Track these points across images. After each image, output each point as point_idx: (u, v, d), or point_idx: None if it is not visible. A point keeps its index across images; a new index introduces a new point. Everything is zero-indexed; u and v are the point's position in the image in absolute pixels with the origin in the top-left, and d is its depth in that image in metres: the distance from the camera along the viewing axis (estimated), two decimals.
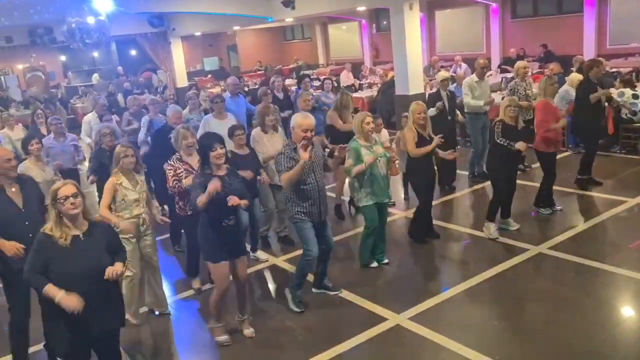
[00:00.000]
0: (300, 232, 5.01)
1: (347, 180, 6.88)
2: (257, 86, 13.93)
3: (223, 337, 4.73)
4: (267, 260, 6.36)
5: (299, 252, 5.45)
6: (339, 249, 6.29)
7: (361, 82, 15.72)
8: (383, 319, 4.87)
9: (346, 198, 7.68)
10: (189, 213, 5.33)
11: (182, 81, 19.02)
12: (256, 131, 6.47)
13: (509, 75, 12.36)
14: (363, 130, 5.56)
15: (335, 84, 12.09)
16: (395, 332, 4.69)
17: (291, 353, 4.58)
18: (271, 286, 5.92)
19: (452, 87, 8.74)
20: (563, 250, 5.89)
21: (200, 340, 4.91)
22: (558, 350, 4.25)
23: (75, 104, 18.31)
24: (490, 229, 6.31)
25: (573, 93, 8.45)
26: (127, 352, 4.57)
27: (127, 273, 4.80)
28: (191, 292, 5.79)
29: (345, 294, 5.37)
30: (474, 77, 8.42)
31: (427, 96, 11.89)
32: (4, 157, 4.15)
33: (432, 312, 4.96)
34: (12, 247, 4.02)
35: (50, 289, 3.30)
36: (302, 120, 4.82)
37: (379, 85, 13.48)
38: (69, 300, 3.27)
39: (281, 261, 6.35)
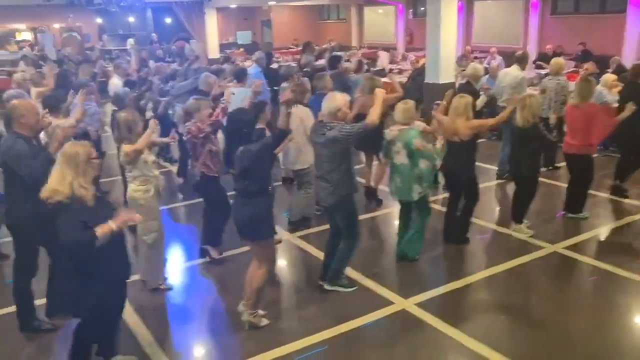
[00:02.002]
0: (354, 216, 4.96)
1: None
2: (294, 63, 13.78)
3: (265, 320, 4.65)
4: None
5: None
6: None
7: (392, 68, 15.57)
8: (389, 302, 4.89)
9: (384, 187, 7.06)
10: (215, 174, 5.43)
11: (214, 52, 19.07)
12: None
13: (544, 71, 12.12)
14: (413, 118, 5.46)
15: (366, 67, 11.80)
16: (400, 317, 4.72)
17: (295, 329, 4.62)
18: (280, 264, 5.97)
19: (484, 79, 8.61)
20: (579, 251, 5.82)
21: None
22: (563, 348, 4.23)
23: (108, 67, 18.50)
24: (524, 230, 6.19)
25: (606, 94, 8.27)
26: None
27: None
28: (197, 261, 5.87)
29: (352, 275, 5.39)
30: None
31: (457, 86, 11.80)
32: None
33: (440, 300, 4.97)
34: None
35: (102, 228, 3.36)
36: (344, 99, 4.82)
37: (410, 72, 13.33)
38: (124, 218, 3.48)
39: (295, 237, 6.40)
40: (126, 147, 4.77)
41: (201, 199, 6.05)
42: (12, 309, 4.66)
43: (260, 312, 4.63)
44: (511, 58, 8.93)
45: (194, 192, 6.19)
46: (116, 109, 6.89)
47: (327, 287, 5.08)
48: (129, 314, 4.72)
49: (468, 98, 5.75)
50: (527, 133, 5.87)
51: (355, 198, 4.98)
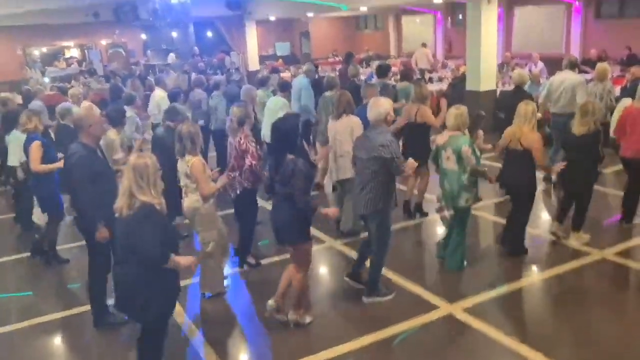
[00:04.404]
0: (387, 226, 5.03)
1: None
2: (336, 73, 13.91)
3: (309, 318, 4.81)
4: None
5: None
6: (397, 237, 6.34)
7: (431, 76, 15.55)
8: (435, 307, 4.92)
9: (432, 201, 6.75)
10: (249, 187, 5.57)
11: (254, 64, 19.42)
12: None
13: (588, 76, 11.92)
14: (465, 124, 5.43)
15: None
16: (446, 321, 4.73)
17: (340, 333, 4.69)
18: (324, 270, 6.06)
19: (526, 85, 8.53)
20: (629, 257, 5.72)
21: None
22: (615, 356, 4.17)
23: (153, 81, 19.04)
24: (584, 237, 6.08)
25: None
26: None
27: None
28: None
29: (397, 279, 5.44)
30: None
31: (498, 93, 11.73)
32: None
33: (487, 305, 4.95)
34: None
35: (174, 258, 3.58)
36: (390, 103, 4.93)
37: (450, 80, 13.30)
38: (187, 260, 3.68)
39: (340, 245, 6.48)
40: (205, 188, 4.93)
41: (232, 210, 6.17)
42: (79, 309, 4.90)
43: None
44: (553, 64, 8.79)
45: (234, 204, 6.09)
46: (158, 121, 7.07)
47: (365, 300, 5.10)
48: (184, 321, 4.90)
49: (533, 105, 5.62)
50: (588, 140, 5.70)
51: (391, 211, 5.01)
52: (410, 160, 4.85)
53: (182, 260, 3.65)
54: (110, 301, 4.82)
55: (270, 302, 4.74)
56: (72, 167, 4.57)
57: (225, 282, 5.53)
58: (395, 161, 4.70)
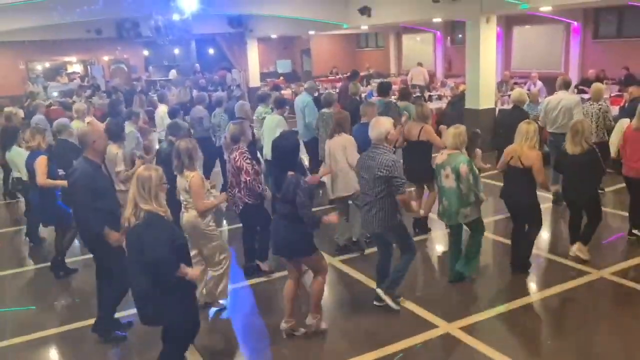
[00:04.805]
0: (407, 234, 5.15)
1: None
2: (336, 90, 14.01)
3: (324, 324, 4.88)
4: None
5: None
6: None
7: (431, 94, 15.64)
8: (433, 326, 4.90)
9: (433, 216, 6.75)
10: (251, 202, 5.63)
11: (255, 81, 19.55)
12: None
13: (586, 96, 12.00)
14: (464, 143, 5.50)
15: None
16: (444, 340, 4.72)
17: (341, 350, 4.67)
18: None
19: (525, 105, 8.58)
20: (627, 277, 5.71)
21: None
22: None
23: (154, 96, 19.17)
24: (586, 253, 6.09)
25: None
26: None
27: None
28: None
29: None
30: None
31: (497, 112, 11.80)
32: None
33: (485, 324, 4.94)
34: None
35: (184, 267, 3.68)
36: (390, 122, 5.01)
37: (449, 98, 13.38)
38: (195, 272, 3.88)
39: (337, 262, 6.48)
40: (200, 205, 4.97)
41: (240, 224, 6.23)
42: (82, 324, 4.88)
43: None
44: (552, 83, 8.84)
45: (240, 219, 6.16)
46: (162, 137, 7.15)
47: (381, 294, 5.17)
48: None
49: (534, 124, 5.69)
50: (584, 159, 5.74)
51: (402, 221, 5.06)
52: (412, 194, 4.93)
53: (190, 271, 3.77)
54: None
55: (283, 324, 4.79)
56: (75, 181, 4.60)
57: (228, 292, 5.52)
58: (397, 180, 4.75)
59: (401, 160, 6.92)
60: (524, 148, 5.53)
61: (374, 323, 5.03)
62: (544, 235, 7.03)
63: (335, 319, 5.19)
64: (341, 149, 6.15)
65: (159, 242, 3.56)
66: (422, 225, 7.16)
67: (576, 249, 6.10)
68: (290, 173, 4.46)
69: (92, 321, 4.98)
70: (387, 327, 4.95)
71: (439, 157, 5.55)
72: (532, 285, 5.71)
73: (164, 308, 3.69)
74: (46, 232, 7.55)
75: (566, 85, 8.18)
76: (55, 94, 18.85)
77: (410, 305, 5.29)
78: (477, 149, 6.37)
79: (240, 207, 5.72)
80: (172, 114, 8.98)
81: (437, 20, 16.87)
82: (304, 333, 4.81)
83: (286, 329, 4.79)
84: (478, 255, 5.70)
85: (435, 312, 5.14)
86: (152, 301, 3.67)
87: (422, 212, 7.09)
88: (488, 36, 11.23)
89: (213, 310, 5.38)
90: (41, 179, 6.03)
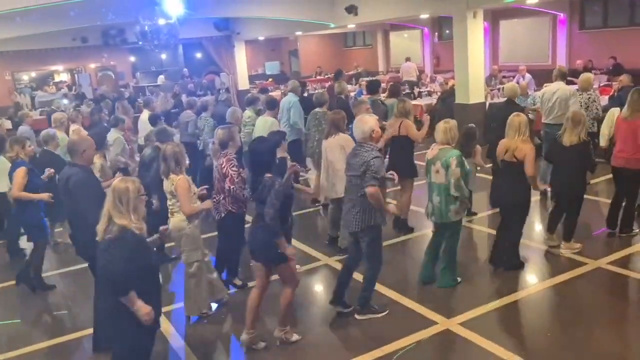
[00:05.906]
0: (379, 242, 5.01)
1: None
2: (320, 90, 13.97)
3: (296, 335, 4.77)
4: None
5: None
6: (388, 254, 6.33)
7: (420, 90, 15.65)
8: (433, 323, 4.88)
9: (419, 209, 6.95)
10: (235, 210, 5.50)
11: (243, 84, 19.47)
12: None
13: (574, 87, 12.03)
14: (454, 138, 5.41)
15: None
16: (444, 336, 4.69)
17: (339, 352, 4.65)
18: (320, 288, 6.01)
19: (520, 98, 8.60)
20: (624, 266, 5.71)
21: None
22: None
23: (142, 103, 19.05)
24: (575, 246, 6.09)
25: None
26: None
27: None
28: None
29: (394, 296, 5.40)
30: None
31: (487, 106, 11.81)
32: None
33: (484, 319, 4.92)
34: None
35: (134, 296, 3.36)
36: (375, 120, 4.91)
37: (439, 94, 13.39)
38: (148, 312, 3.40)
39: (333, 261, 6.44)
40: (187, 208, 4.91)
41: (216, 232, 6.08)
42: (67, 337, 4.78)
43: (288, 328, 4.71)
44: (540, 75, 8.85)
45: (218, 226, 5.91)
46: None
47: (358, 317, 5.05)
48: (174, 341, 4.82)
49: (524, 117, 5.63)
50: (578, 150, 5.73)
51: (382, 227, 4.96)
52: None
53: (143, 306, 3.39)
54: None
55: (243, 336, 4.67)
56: (73, 188, 4.44)
57: (211, 304, 5.46)
58: (370, 174, 4.60)
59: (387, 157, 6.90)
60: (517, 142, 5.48)
61: (372, 322, 4.99)
62: (538, 227, 7.03)
63: (334, 318, 5.14)
64: (339, 148, 6.09)
65: (116, 259, 3.30)
66: (402, 225, 7.12)
67: (563, 249, 6.09)
68: (267, 175, 4.42)
69: (78, 334, 4.88)
70: (384, 326, 4.91)
71: (429, 152, 5.46)
72: (530, 279, 5.69)
73: (117, 330, 3.48)
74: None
75: (562, 76, 8.16)
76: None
77: (408, 303, 5.26)
78: (478, 146, 6.34)
79: (222, 215, 5.55)
80: (152, 120, 8.93)
81: (424, 16, 16.92)
82: (264, 347, 4.67)
83: (246, 340, 4.65)
84: (452, 266, 5.54)
85: (433, 308, 5.11)
86: (111, 320, 3.48)
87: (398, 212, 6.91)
88: (475, 31, 11.24)
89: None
90: (15, 191, 5.95)
